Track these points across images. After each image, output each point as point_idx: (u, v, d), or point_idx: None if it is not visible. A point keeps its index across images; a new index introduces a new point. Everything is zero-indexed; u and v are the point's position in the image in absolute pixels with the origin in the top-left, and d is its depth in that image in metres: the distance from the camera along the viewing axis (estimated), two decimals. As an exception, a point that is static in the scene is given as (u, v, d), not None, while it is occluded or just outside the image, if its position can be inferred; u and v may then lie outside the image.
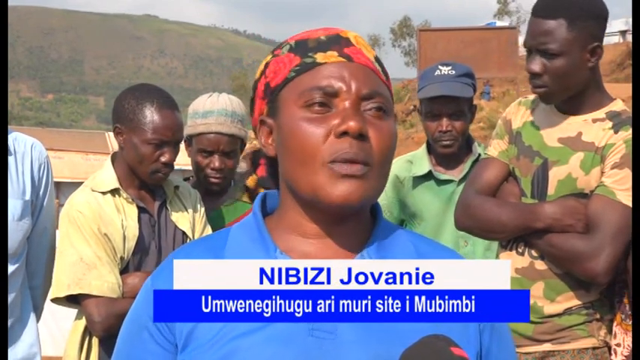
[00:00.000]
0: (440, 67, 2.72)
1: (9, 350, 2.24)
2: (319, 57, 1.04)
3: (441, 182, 2.74)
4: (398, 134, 1.13)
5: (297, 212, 1.07)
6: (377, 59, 1.09)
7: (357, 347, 0.98)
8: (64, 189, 12.47)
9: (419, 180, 2.77)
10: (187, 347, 1.02)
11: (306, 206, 1.05)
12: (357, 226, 1.07)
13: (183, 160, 2.59)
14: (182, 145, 2.39)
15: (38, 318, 2.42)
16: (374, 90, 1.03)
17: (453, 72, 2.68)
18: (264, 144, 1.09)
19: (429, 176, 2.75)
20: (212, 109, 2.51)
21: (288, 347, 0.98)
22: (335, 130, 0.99)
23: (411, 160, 2.84)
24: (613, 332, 2.06)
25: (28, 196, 2.27)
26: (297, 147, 1.01)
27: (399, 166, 2.84)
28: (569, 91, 2.05)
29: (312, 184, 1.00)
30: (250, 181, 1.21)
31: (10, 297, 2.22)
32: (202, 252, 1.08)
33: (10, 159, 2.25)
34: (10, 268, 2.21)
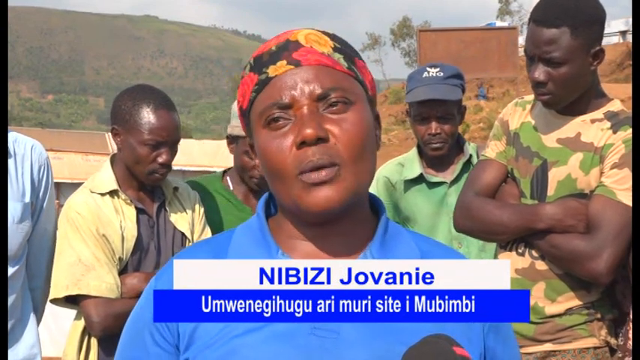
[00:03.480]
0: (428, 68, 2.71)
1: (9, 352, 2.24)
2: (271, 70, 1.03)
3: (432, 185, 2.74)
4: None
5: (291, 217, 1.07)
6: (336, 49, 1.05)
7: (359, 346, 0.98)
8: (63, 190, 12.48)
9: (410, 183, 2.76)
10: (190, 347, 1.02)
11: (295, 213, 1.06)
12: (357, 224, 1.07)
13: (182, 161, 2.59)
14: (180, 145, 2.38)
15: (39, 319, 2.42)
16: (327, 87, 1.01)
17: (441, 74, 2.67)
18: (256, 165, 1.10)
19: (420, 179, 2.75)
20: None
21: (290, 346, 0.98)
22: (294, 141, 1.00)
23: (402, 162, 2.84)
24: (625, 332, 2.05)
25: (28, 199, 2.26)
26: (268, 166, 1.03)
27: (390, 170, 2.83)
28: (573, 96, 2.05)
29: (291, 197, 1.01)
30: None
31: (11, 299, 2.22)
32: (205, 254, 1.08)
33: (10, 161, 2.24)
34: (11, 270, 2.21)
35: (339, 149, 1.00)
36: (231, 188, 2.62)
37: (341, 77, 1.04)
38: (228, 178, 2.65)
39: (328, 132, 1.00)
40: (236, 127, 2.53)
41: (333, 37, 1.07)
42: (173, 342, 1.04)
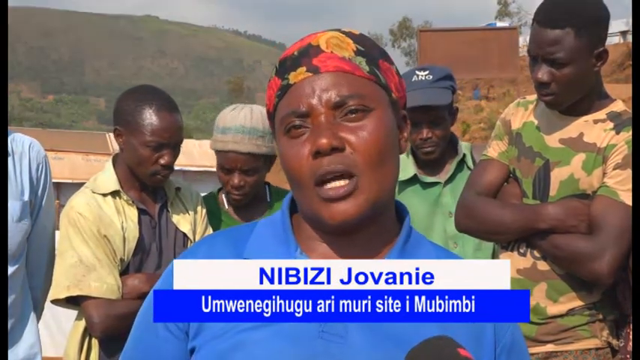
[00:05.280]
0: (417, 72, 2.68)
1: (9, 351, 2.24)
2: (291, 77, 1.03)
3: (427, 185, 2.72)
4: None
5: (311, 222, 1.07)
6: (358, 52, 1.04)
7: (365, 352, 0.98)
8: (64, 190, 12.47)
9: (404, 184, 2.74)
10: (198, 336, 1.03)
11: (314, 220, 1.06)
12: (379, 231, 1.06)
13: (183, 161, 2.58)
14: (183, 146, 2.38)
15: (38, 318, 2.42)
16: (344, 95, 1.01)
17: (431, 77, 2.64)
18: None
19: (414, 180, 2.73)
20: (230, 126, 2.42)
21: (295, 345, 0.98)
22: (310, 151, 1.00)
23: None
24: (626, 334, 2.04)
25: (26, 197, 2.26)
26: (288, 173, 1.04)
27: None
28: (576, 97, 2.06)
29: (309, 207, 1.02)
30: None
31: (11, 298, 2.22)
32: (225, 244, 1.09)
33: (8, 159, 2.24)
34: (10, 269, 2.21)
35: (355, 158, 0.99)
36: (226, 207, 2.56)
37: (360, 83, 1.03)
38: (222, 195, 2.59)
39: (344, 141, 0.99)
40: (212, 140, 2.47)
41: (357, 38, 1.06)
42: (184, 328, 1.05)
